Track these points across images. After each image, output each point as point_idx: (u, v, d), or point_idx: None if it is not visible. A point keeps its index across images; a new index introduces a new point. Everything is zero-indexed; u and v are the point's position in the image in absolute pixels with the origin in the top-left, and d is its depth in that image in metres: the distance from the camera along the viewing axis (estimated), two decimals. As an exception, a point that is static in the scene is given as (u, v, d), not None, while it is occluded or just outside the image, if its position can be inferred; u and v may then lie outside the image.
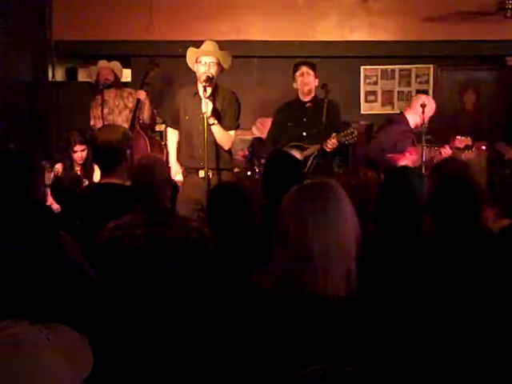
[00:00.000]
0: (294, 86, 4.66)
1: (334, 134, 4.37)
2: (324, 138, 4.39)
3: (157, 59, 5.69)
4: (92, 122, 5.53)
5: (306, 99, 4.62)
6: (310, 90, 4.59)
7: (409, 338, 1.79)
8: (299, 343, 1.47)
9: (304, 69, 4.57)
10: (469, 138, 4.81)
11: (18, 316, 1.26)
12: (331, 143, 4.36)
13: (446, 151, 4.61)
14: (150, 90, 5.60)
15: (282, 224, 1.57)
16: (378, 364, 1.47)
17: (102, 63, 5.67)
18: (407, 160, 4.71)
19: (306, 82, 4.57)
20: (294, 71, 4.64)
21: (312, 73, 4.58)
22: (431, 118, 4.96)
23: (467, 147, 4.70)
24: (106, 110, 5.52)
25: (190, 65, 4.34)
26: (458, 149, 4.70)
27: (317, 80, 4.62)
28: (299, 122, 4.62)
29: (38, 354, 1.14)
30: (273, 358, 1.49)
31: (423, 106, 4.69)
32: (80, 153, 4.88)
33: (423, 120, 4.66)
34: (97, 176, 4.51)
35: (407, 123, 4.90)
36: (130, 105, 5.39)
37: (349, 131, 4.37)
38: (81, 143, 4.89)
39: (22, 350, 1.12)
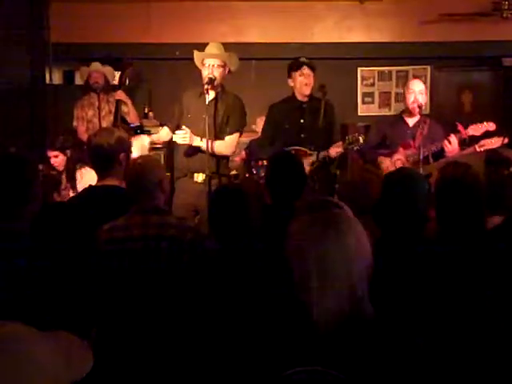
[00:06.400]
0: (290, 83, 4.57)
1: (340, 143, 4.32)
2: (321, 140, 4.34)
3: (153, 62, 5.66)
4: (75, 123, 5.53)
5: (304, 99, 4.59)
6: (309, 92, 4.56)
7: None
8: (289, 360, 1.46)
9: (306, 70, 4.53)
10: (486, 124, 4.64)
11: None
12: (336, 152, 4.33)
13: (452, 140, 4.38)
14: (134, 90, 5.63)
15: (287, 249, 1.54)
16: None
17: (95, 65, 5.64)
18: (401, 155, 4.54)
19: (307, 83, 4.52)
20: (293, 69, 4.57)
21: (312, 74, 4.55)
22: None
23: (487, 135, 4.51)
24: (90, 113, 5.50)
25: (199, 67, 4.34)
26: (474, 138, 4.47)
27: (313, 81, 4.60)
28: (297, 123, 4.55)
29: (26, 347, 1.18)
30: (262, 357, 1.49)
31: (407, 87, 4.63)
32: (53, 159, 4.46)
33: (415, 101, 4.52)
34: (80, 182, 4.31)
35: (401, 114, 4.75)
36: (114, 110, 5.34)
37: (354, 137, 4.26)
38: (53, 149, 4.45)
39: (9, 344, 1.17)
